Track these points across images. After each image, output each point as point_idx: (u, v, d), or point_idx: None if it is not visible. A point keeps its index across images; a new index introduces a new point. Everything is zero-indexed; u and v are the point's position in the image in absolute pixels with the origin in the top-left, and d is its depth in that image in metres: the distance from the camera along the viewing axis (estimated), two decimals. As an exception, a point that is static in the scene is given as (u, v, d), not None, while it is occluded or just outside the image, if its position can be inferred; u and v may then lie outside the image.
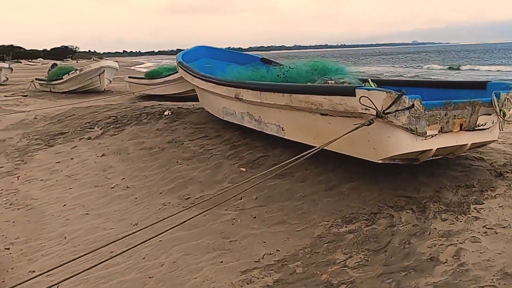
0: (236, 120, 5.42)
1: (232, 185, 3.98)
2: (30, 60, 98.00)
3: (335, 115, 3.67)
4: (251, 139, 5.12)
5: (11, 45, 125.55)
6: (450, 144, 3.52)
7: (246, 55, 8.26)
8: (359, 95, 3.29)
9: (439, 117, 3.32)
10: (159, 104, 8.98)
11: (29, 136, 7.75)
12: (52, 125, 8.73)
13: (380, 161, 3.40)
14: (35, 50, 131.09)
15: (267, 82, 4.69)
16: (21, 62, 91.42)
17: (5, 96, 16.99)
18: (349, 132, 3.19)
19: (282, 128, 4.43)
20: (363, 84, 5.45)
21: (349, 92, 3.41)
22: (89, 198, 4.38)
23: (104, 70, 15.04)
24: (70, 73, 15.48)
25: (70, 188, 4.79)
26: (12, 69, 24.33)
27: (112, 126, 7.35)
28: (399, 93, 3.12)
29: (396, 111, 3.12)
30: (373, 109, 3.14)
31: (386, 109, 3.13)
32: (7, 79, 23.24)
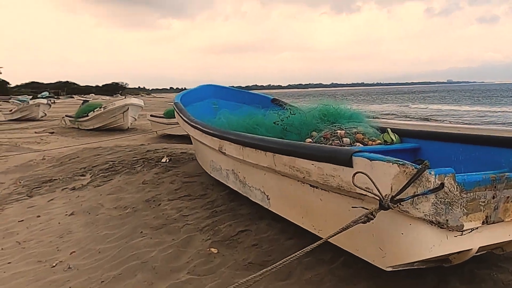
0: (222, 178, 4.24)
1: (189, 277, 2.78)
2: (82, 96, 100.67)
3: (328, 189, 2.44)
4: (237, 204, 3.92)
5: (67, 81, 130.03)
6: (499, 240, 2.22)
7: (256, 95, 7.13)
8: (357, 168, 2.07)
9: (484, 201, 2.03)
10: (164, 148, 7.94)
11: (20, 182, 6.79)
12: (52, 168, 7.80)
13: (390, 269, 2.13)
14: (89, 86, 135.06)
15: (251, 134, 3.49)
16: (73, 97, 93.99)
17: (35, 132, 16.49)
18: (339, 231, 1.94)
19: (267, 196, 3.20)
20: (381, 135, 4.22)
21: (344, 159, 2.19)
22: (18, 282, 3.25)
23: (128, 108, 14.26)
24: (95, 110, 14.79)
25: (8, 263, 3.67)
26: (50, 105, 24.17)
27: (102, 174, 6.30)
28: (419, 166, 1.88)
29: (414, 196, 1.88)
30: (375, 195, 1.90)
31: (398, 193, 1.88)
32: (45, 114, 23.03)
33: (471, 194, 1.99)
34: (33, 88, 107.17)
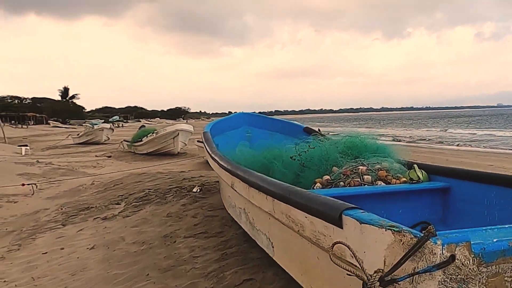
0: (235, 217, 3.86)
1: None
2: (148, 120, 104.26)
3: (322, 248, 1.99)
4: (249, 245, 3.52)
5: (135, 106, 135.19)
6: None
7: (289, 123, 6.72)
8: (346, 231, 1.63)
9: (510, 276, 1.53)
10: (200, 176, 7.67)
11: (61, 209, 6.72)
12: (95, 194, 7.73)
13: None
14: (155, 110, 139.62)
15: (256, 173, 3.07)
16: (140, 121, 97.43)
17: (95, 155, 16.85)
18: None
19: (272, 244, 2.78)
20: (407, 172, 3.68)
21: (333, 217, 1.74)
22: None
23: (178, 133, 14.21)
24: (148, 135, 14.89)
25: (15, 302, 3.48)
26: (113, 130, 24.86)
27: (135, 203, 6.10)
28: (420, 234, 1.41)
29: (414, 273, 1.40)
30: (360, 275, 1.44)
31: (392, 270, 1.42)
32: (108, 138, 23.67)
33: (494, 267, 1.48)
34: (106, 112, 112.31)
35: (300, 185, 3.53)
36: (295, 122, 6.79)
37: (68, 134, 28.77)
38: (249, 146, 5.82)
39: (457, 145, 25.39)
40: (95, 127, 23.60)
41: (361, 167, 3.56)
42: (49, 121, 70.10)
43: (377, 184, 3.39)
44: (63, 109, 79.72)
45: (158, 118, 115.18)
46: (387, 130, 52.51)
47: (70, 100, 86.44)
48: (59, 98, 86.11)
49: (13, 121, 60.68)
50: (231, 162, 3.75)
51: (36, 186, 8.10)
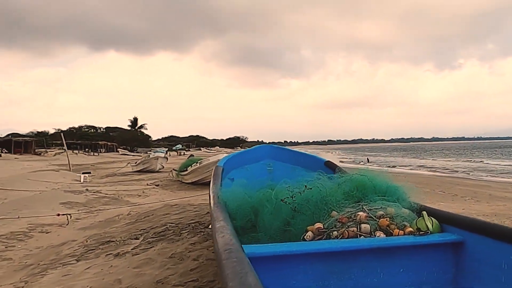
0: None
1: None
2: (208, 148, 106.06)
3: None
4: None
5: (197, 135, 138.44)
6: None
7: (311, 157, 6.15)
8: None
9: None
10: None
11: (86, 241, 6.50)
12: (125, 226, 7.47)
13: None
14: (215, 139, 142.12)
15: (221, 221, 2.56)
16: (201, 149, 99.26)
17: (147, 184, 16.92)
18: None
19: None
20: (415, 221, 3.02)
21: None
22: None
23: (221, 163, 13.94)
24: (193, 165, 14.74)
25: None
26: (167, 159, 25.13)
27: (151, 238, 5.73)
28: None
29: None
30: None
31: None
32: (163, 167, 23.88)
33: None
34: (171, 141, 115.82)
35: (290, 233, 2.99)
36: (316, 155, 6.21)
37: (128, 162, 29.46)
38: (270, 180, 5.34)
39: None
40: (151, 156, 23.95)
41: (360, 213, 2.96)
42: (118, 149, 73.01)
43: (376, 236, 2.77)
44: (132, 138, 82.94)
45: (217, 147, 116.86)
46: (425, 161, 50.13)
47: (139, 130, 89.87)
48: (129, 128, 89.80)
49: (86, 149, 63.66)
50: (218, 203, 3.28)
51: (71, 216, 7.99)
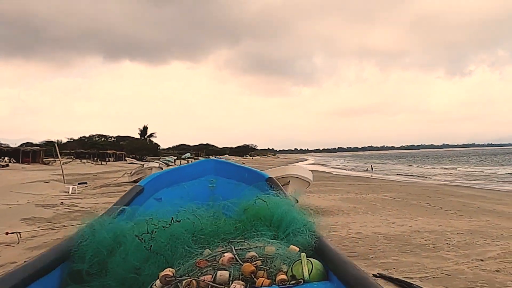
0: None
1: None
2: (217, 156, 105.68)
3: None
4: None
5: (207, 143, 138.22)
6: None
7: (254, 172, 5.56)
8: None
9: None
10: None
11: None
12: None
13: None
14: (225, 147, 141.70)
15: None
16: (209, 158, 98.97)
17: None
18: None
19: None
20: (292, 265, 2.43)
21: None
22: None
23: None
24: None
25: None
26: (162, 168, 24.68)
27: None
28: None
29: None
30: None
31: None
32: (157, 177, 23.40)
33: None
34: (180, 150, 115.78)
35: (141, 278, 2.44)
36: (260, 171, 5.64)
37: (125, 172, 29.10)
38: (211, 198, 4.80)
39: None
40: (145, 165, 23.51)
41: (226, 254, 2.40)
42: (126, 158, 73.00)
43: (236, 284, 2.21)
44: (141, 146, 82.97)
45: (227, 155, 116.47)
46: (429, 169, 49.14)
47: (148, 138, 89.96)
48: (139, 137, 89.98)
49: (95, 158, 63.70)
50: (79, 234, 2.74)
51: (20, 235, 7.50)
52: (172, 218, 2.67)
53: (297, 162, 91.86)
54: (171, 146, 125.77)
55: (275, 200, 3.18)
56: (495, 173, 38.21)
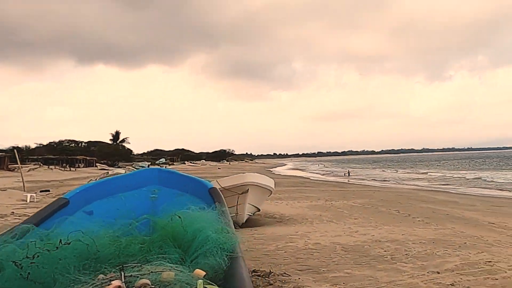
0: None
1: None
2: (193, 162, 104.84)
3: None
4: None
5: (183, 148, 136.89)
6: None
7: (198, 182, 5.28)
8: None
9: None
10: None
11: None
12: None
13: None
14: (202, 152, 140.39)
15: None
16: (185, 163, 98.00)
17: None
18: None
19: None
20: None
21: None
22: None
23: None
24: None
25: None
26: (128, 175, 24.20)
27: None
28: None
29: None
30: None
31: None
32: (123, 184, 22.88)
33: None
34: (155, 155, 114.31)
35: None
36: (204, 180, 5.36)
37: (90, 179, 28.37)
38: (152, 210, 4.50)
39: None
40: (109, 172, 22.98)
41: (114, 282, 2.13)
42: (97, 164, 71.60)
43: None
44: (113, 152, 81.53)
45: (203, 160, 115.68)
46: (406, 174, 49.89)
47: (120, 144, 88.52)
48: (110, 142, 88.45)
49: (64, 164, 62.22)
50: None
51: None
52: (60, 240, 2.38)
53: (275, 167, 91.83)
54: (145, 151, 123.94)
55: (194, 216, 2.92)
56: (473, 178, 38.97)
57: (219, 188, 5.62)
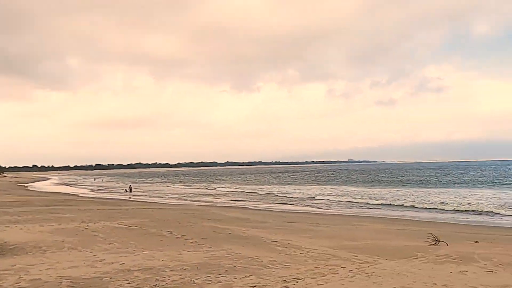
0: None
1: None
2: None
3: None
4: None
5: None
6: None
7: None
8: None
9: None
10: None
11: None
12: None
13: None
14: None
15: None
16: None
17: None
18: None
19: None
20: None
21: None
22: None
23: None
24: None
25: None
26: None
27: None
28: None
29: None
30: None
31: None
32: None
33: None
34: None
35: None
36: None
37: None
38: None
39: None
40: None
41: None
42: None
43: None
44: None
45: None
46: (189, 189, 52.53)
47: None
48: None
49: None
50: None
51: None
52: None
53: (34, 182, 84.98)
54: None
55: None
56: (266, 193, 42.51)
57: None
